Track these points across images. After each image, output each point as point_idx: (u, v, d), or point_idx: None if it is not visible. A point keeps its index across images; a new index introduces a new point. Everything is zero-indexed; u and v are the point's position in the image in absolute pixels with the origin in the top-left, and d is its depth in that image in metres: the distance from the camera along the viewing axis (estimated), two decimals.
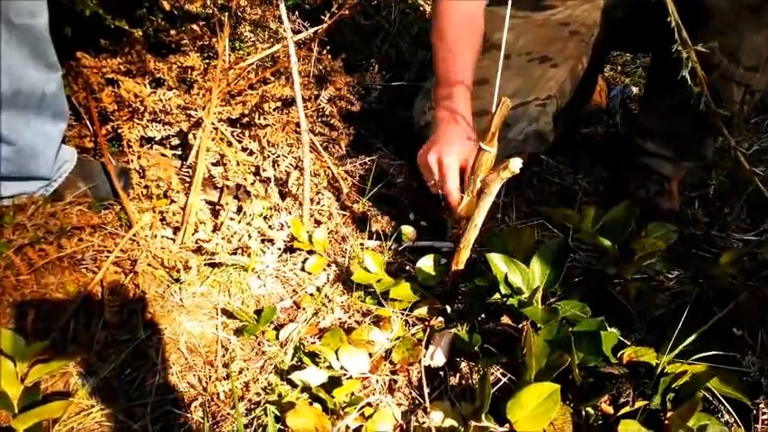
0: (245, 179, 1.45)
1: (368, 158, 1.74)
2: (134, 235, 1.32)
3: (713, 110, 0.92)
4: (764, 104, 1.93)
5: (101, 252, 1.28)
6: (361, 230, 1.48)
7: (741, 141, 1.74)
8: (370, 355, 1.12)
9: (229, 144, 1.53)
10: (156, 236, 1.34)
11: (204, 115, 1.44)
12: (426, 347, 1.13)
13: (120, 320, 1.17)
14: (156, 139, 1.55)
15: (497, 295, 1.08)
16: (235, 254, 1.33)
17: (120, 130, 1.50)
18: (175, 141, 1.59)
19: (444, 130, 1.34)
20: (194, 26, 1.61)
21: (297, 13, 2.23)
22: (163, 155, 1.56)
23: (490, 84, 1.49)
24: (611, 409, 0.91)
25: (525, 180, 1.67)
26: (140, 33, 1.49)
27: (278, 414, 0.99)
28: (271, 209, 1.46)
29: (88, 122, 1.54)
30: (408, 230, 1.44)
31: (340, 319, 1.22)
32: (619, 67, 2.24)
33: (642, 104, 1.95)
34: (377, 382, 1.09)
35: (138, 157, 1.48)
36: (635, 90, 1.96)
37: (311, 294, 1.29)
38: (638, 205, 1.47)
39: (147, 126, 1.52)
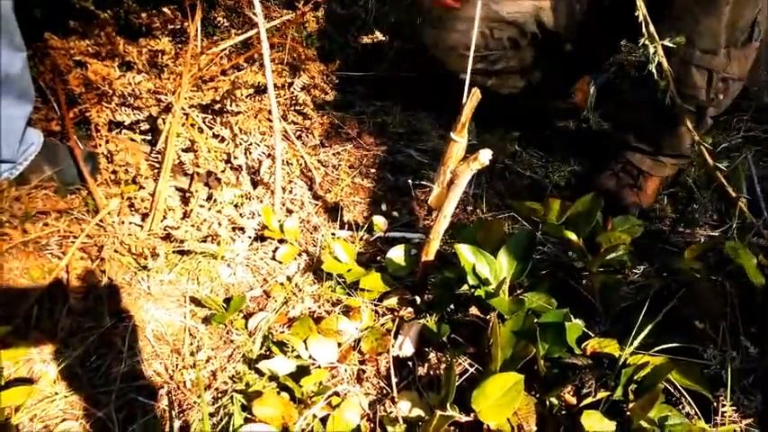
0: (216, 166, 1.44)
1: (341, 148, 1.73)
2: (101, 221, 1.30)
3: (679, 104, 0.93)
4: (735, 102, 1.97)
5: (66, 237, 1.26)
6: (333, 220, 1.48)
7: (708, 136, 1.77)
8: (339, 344, 1.12)
9: (200, 130, 1.51)
10: (123, 222, 1.32)
11: (174, 100, 1.42)
12: (395, 338, 1.13)
13: (85, 307, 1.15)
14: (126, 124, 1.52)
15: (466, 286, 1.09)
16: (204, 242, 1.32)
17: (87, 114, 1.47)
18: (145, 126, 1.56)
19: None
20: (166, 9, 1.59)
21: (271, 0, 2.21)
22: (132, 140, 1.53)
23: None
24: (573, 400, 0.92)
25: (497, 173, 1.68)
26: (108, 15, 1.45)
27: (245, 403, 0.99)
28: (242, 197, 1.44)
29: (55, 105, 1.51)
30: (380, 221, 1.44)
31: (310, 308, 1.22)
32: None
33: (616, 97, 1.98)
34: (345, 371, 1.09)
35: (107, 142, 1.46)
36: (606, 78, 1.98)
37: (281, 283, 1.29)
38: (605, 195, 1.50)
39: (116, 110, 1.49)
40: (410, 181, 1.61)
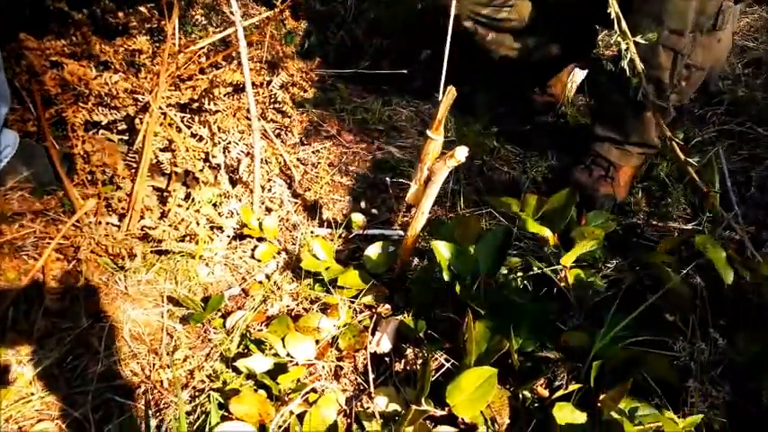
0: (194, 165, 1.43)
1: (321, 146, 1.73)
2: (77, 221, 1.29)
3: (652, 101, 0.94)
4: (710, 95, 2.00)
5: (42, 239, 1.25)
6: (312, 218, 1.48)
7: (680, 130, 1.80)
8: (317, 341, 1.12)
9: (178, 129, 1.51)
10: (100, 222, 1.32)
11: (151, 99, 1.42)
12: (372, 334, 1.14)
13: (61, 308, 1.15)
14: (103, 124, 1.51)
15: (442, 282, 1.10)
16: (182, 241, 1.32)
17: (64, 114, 1.46)
18: (122, 126, 1.55)
19: None
20: (142, 8, 1.58)
21: None
22: (109, 140, 1.52)
23: None
24: (546, 393, 0.94)
25: (475, 169, 1.69)
26: (83, 15, 1.45)
27: (222, 401, 0.99)
28: (221, 196, 1.45)
29: (31, 106, 1.50)
30: (358, 218, 1.45)
31: (288, 306, 1.23)
32: None
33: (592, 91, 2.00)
34: (323, 368, 1.09)
35: (83, 142, 1.45)
36: (582, 73, 1.99)
37: (260, 282, 1.29)
38: (579, 189, 1.52)
39: (93, 110, 1.48)
40: (388, 179, 1.61)
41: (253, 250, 1.36)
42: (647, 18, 1.35)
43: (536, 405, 0.93)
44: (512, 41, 1.73)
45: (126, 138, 1.55)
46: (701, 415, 0.87)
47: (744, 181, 1.64)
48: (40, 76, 1.48)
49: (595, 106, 1.60)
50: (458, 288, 1.03)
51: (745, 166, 1.72)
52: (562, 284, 1.10)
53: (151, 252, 1.29)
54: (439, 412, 0.90)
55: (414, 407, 0.88)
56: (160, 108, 1.45)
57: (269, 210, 1.48)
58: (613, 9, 0.85)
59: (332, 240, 1.40)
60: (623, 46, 0.89)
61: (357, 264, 1.29)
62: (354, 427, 0.99)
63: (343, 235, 1.42)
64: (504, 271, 1.16)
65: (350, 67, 2.12)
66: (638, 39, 0.91)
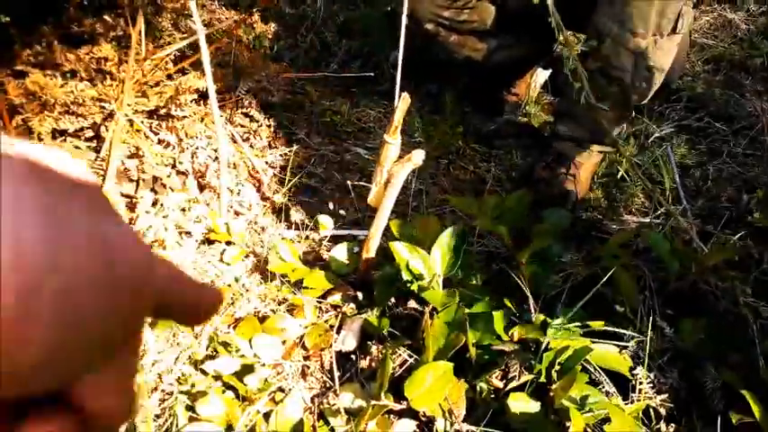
0: (162, 171, 1.45)
1: (289, 149, 1.76)
2: None
3: (593, 105, 0.99)
4: (669, 92, 2.05)
5: None
6: (280, 221, 1.51)
7: (636, 126, 1.85)
8: (284, 342, 1.15)
9: (146, 136, 1.53)
10: None
11: (116, 107, 1.43)
12: (338, 333, 1.17)
13: None
14: (69, 132, 1.53)
15: (403, 281, 1.13)
16: (151, 247, 1.34)
17: (30, 123, 1.47)
18: (90, 134, 1.56)
19: None
20: (107, 16, 1.59)
21: (218, 1, 2.22)
22: (76, 147, 1.54)
23: None
24: (501, 384, 0.98)
25: (441, 168, 1.72)
26: (47, 24, 1.46)
27: (189, 403, 1.01)
28: (189, 201, 1.47)
29: None
30: (325, 220, 1.48)
31: (256, 308, 1.25)
32: None
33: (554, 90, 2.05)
34: (289, 368, 1.12)
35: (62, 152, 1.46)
36: (546, 73, 2.04)
37: (228, 285, 1.31)
38: (541, 186, 1.56)
39: (59, 118, 1.49)
40: (348, 182, 1.64)
41: (221, 254, 1.38)
42: (610, 20, 1.40)
43: (492, 396, 0.97)
44: (474, 43, 1.76)
45: (93, 145, 1.57)
46: (646, 401, 0.91)
47: (700, 175, 1.70)
48: (5, 86, 1.49)
49: (558, 105, 1.65)
50: (415, 287, 1.06)
51: (703, 161, 1.78)
52: (519, 280, 1.14)
53: None
54: (398, 406, 0.93)
55: (373, 402, 0.91)
56: (126, 115, 1.47)
57: (237, 213, 1.50)
58: (554, 19, 0.89)
59: (299, 242, 1.42)
60: (565, 53, 0.92)
61: (323, 265, 1.32)
62: (320, 423, 1.02)
63: (310, 237, 1.45)
64: (463, 268, 1.20)
65: (319, 70, 2.15)
66: (579, 47, 0.94)
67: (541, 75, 2.01)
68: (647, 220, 1.50)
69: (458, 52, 1.77)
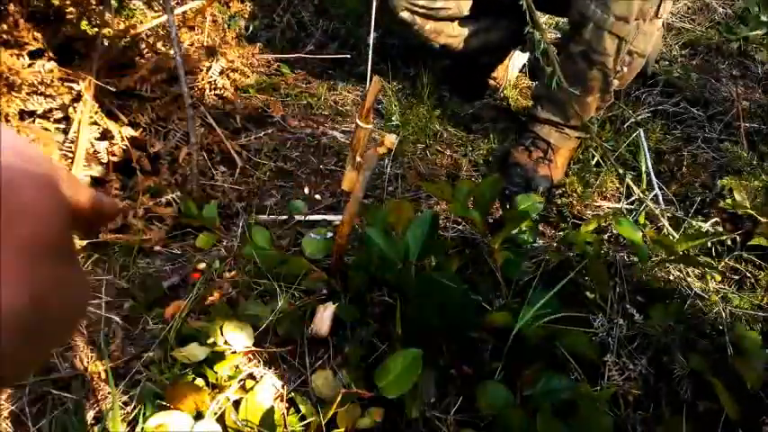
0: (132, 154, 1.43)
1: (264, 132, 1.73)
2: None
3: (565, 88, 0.98)
4: (645, 77, 2.06)
5: None
6: (254, 205, 1.49)
7: (611, 111, 1.85)
8: (255, 328, 1.14)
9: (116, 118, 1.49)
10: None
11: (85, 88, 1.40)
12: (310, 319, 1.16)
13: None
14: (38, 113, 1.49)
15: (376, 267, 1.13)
16: (120, 231, 1.32)
17: None
18: (58, 115, 1.53)
19: None
20: None
21: None
22: (45, 129, 1.50)
23: None
24: (471, 371, 0.98)
25: (419, 153, 1.71)
26: (14, 2, 1.41)
27: (158, 391, 1.00)
28: (161, 184, 1.44)
29: None
30: (300, 205, 1.46)
31: (228, 294, 1.24)
32: None
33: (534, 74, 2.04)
34: (261, 354, 1.11)
35: (18, 132, 1.42)
36: (524, 56, 2.03)
37: (200, 271, 1.30)
38: (518, 170, 1.56)
39: (27, 99, 1.45)
40: (323, 167, 1.63)
41: (193, 239, 1.37)
42: (593, 3, 1.39)
43: (462, 383, 0.97)
44: (451, 30, 1.74)
45: (62, 127, 1.53)
46: (614, 388, 0.92)
47: (674, 160, 1.71)
48: None
49: (537, 89, 1.64)
50: (387, 273, 1.05)
51: (678, 146, 1.79)
52: (492, 266, 1.14)
53: (88, 243, 1.28)
54: (367, 394, 0.93)
55: (343, 390, 0.90)
56: (95, 96, 1.44)
57: (210, 197, 1.48)
58: (525, 2, 0.88)
59: (273, 227, 1.41)
60: (537, 36, 0.92)
61: (296, 250, 1.31)
62: (291, 411, 1.02)
63: (285, 221, 1.43)
64: (436, 254, 1.20)
65: (295, 51, 2.11)
66: (551, 31, 0.93)
67: (519, 58, 2.00)
68: (623, 205, 1.50)
69: (434, 40, 1.75)
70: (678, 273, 1.18)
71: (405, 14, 1.66)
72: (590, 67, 1.46)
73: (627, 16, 1.38)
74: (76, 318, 0.29)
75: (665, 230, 1.07)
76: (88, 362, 1.08)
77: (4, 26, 1.48)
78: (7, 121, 1.44)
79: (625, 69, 1.47)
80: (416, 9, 1.65)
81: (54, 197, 0.26)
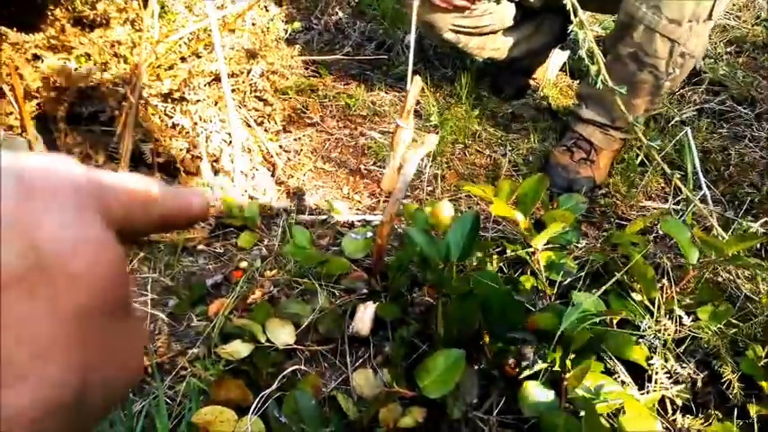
0: (176, 155, 1.45)
1: (303, 133, 1.75)
2: None
3: (611, 87, 0.96)
4: (690, 75, 2.01)
5: None
6: (294, 205, 1.50)
7: (666, 110, 1.81)
8: (297, 326, 1.15)
9: (160, 120, 1.52)
10: None
11: (129, 91, 1.43)
12: (351, 318, 1.17)
13: None
14: (84, 116, 1.53)
15: (417, 268, 1.12)
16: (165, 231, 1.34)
17: (45, 107, 1.48)
18: (104, 117, 1.56)
19: None
20: None
21: None
22: (91, 131, 1.54)
23: None
24: (514, 372, 0.97)
25: (457, 153, 1.70)
26: (60, 8, 1.46)
27: (203, 387, 1.02)
28: (203, 185, 1.46)
29: (12, 100, 1.51)
30: (339, 205, 1.47)
31: (269, 292, 1.25)
32: None
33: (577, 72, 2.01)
34: (302, 353, 1.12)
35: (65, 135, 1.47)
36: (568, 56, 2.00)
37: (242, 269, 1.31)
38: (560, 171, 1.53)
39: (74, 102, 1.50)
40: (362, 167, 1.63)
41: (235, 238, 1.38)
42: (643, 5, 1.36)
43: (505, 384, 0.96)
44: (494, 43, 1.74)
45: (109, 129, 1.57)
46: (662, 392, 0.90)
47: (721, 159, 1.66)
48: (21, 70, 1.49)
49: (581, 88, 1.60)
50: (428, 273, 1.05)
51: (725, 145, 1.74)
52: (535, 266, 1.12)
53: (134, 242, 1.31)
54: (409, 393, 0.93)
55: (385, 389, 0.90)
56: (141, 98, 1.47)
57: (251, 198, 1.50)
58: (570, 1, 0.86)
59: (313, 227, 1.42)
60: (581, 36, 0.90)
61: (337, 250, 1.32)
62: (332, 409, 1.02)
63: (325, 221, 1.44)
64: (478, 254, 1.19)
65: (333, 53, 2.13)
66: (596, 28, 0.92)
67: (559, 56, 1.97)
68: (667, 206, 1.47)
69: (478, 55, 1.75)
70: (727, 274, 1.15)
71: (449, 35, 1.66)
72: (640, 69, 1.43)
73: (679, 19, 1.35)
74: (128, 383, 0.25)
75: (714, 231, 1.04)
76: None
77: (52, 31, 1.53)
78: (55, 123, 1.48)
79: (677, 71, 1.44)
80: (461, 29, 1.65)
81: (111, 258, 0.22)
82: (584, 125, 1.59)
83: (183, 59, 1.65)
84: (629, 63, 1.43)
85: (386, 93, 1.99)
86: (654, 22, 1.36)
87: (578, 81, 1.96)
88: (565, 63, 2.02)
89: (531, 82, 1.99)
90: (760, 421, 0.93)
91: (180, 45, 1.65)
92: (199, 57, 1.66)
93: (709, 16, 1.36)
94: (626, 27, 1.41)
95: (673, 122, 1.77)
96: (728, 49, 2.19)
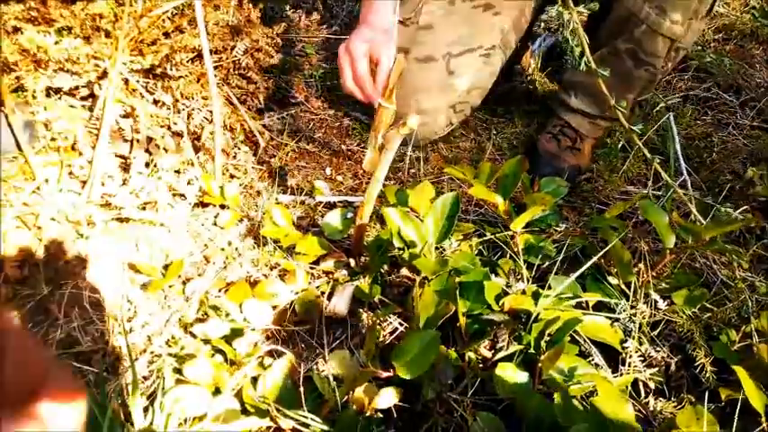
0: (156, 132, 1.43)
1: (287, 112, 1.73)
2: (38, 189, 1.29)
3: (594, 70, 0.96)
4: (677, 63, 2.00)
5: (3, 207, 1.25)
6: (276, 185, 1.49)
7: (652, 96, 1.81)
8: (274, 307, 1.15)
9: (141, 96, 1.50)
10: (61, 190, 1.32)
11: (110, 65, 1.41)
12: (329, 299, 1.16)
13: (21, 275, 1.16)
14: (64, 90, 1.50)
15: (395, 248, 1.12)
16: (144, 209, 1.33)
17: (23, 81, 1.45)
18: (84, 92, 1.54)
19: (359, 24, 1.37)
20: None
21: None
22: (71, 106, 1.51)
23: (434, 29, 1.50)
24: (489, 354, 0.97)
25: (441, 136, 1.69)
26: None
27: (178, 366, 1.01)
28: (183, 163, 1.45)
29: None
30: (321, 185, 1.46)
31: (248, 272, 1.24)
32: (542, 23, 2.26)
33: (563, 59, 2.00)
34: (279, 333, 1.12)
35: (44, 109, 1.44)
36: (554, 41, 1.99)
37: (221, 249, 1.30)
38: (547, 159, 1.53)
39: (54, 76, 1.47)
40: (345, 147, 1.62)
41: (215, 217, 1.37)
42: (647, 5, 1.34)
43: (480, 366, 0.97)
44: None
45: (88, 104, 1.54)
46: (635, 375, 0.90)
47: (704, 146, 1.66)
48: None
49: (569, 76, 1.58)
50: (406, 254, 1.05)
51: (708, 132, 1.74)
52: (513, 249, 1.12)
53: (112, 219, 1.30)
54: (384, 374, 0.93)
55: (359, 369, 0.90)
56: (121, 74, 1.45)
57: (232, 177, 1.48)
58: None
59: (295, 207, 1.41)
60: (566, 16, 0.89)
61: (317, 230, 1.31)
62: (308, 389, 1.02)
63: (306, 202, 1.43)
64: (458, 236, 1.19)
65: (320, 32, 2.10)
66: (581, 8, 0.91)
67: (547, 41, 1.96)
68: (647, 191, 1.47)
69: None
70: (704, 260, 1.16)
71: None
72: (637, 67, 1.41)
73: (683, 20, 1.34)
74: None
75: (693, 217, 1.05)
76: (109, 336, 1.10)
77: (32, 3, 1.50)
78: (34, 98, 1.45)
79: (669, 65, 1.44)
80: None
81: None
82: (572, 114, 1.57)
83: (166, 34, 1.62)
84: (626, 59, 1.41)
85: None
86: (657, 24, 1.34)
87: (564, 66, 1.95)
88: (550, 48, 2.01)
89: (517, 66, 1.98)
90: (731, 405, 0.94)
91: (163, 19, 1.62)
92: (182, 32, 1.63)
93: (709, 12, 1.35)
94: (625, 22, 1.38)
95: (657, 109, 1.77)
96: (716, 37, 2.18)
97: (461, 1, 1.54)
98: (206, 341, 1.06)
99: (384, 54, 1.25)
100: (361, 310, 1.15)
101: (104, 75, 1.49)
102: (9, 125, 1.38)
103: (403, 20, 1.47)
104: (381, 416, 0.96)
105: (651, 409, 0.95)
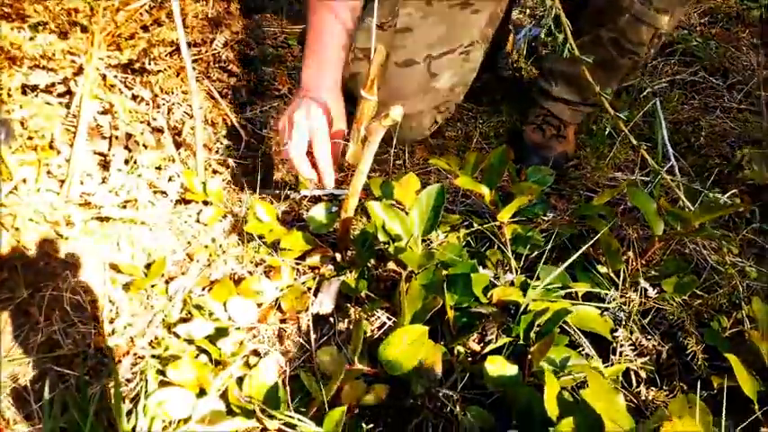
0: (136, 128, 1.40)
1: (270, 105, 1.70)
2: (15, 189, 1.26)
3: (578, 57, 0.94)
4: (663, 47, 1.99)
5: None
6: (259, 180, 1.47)
7: (638, 81, 1.80)
8: (259, 305, 1.13)
9: (119, 91, 1.47)
10: (39, 190, 1.29)
11: (86, 60, 1.37)
12: (315, 295, 1.14)
13: (0, 278, 1.13)
14: (41, 87, 1.47)
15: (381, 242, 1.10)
16: (125, 207, 1.30)
17: None
18: (61, 89, 1.50)
19: (300, 92, 1.25)
20: None
21: None
22: (47, 103, 1.48)
23: (413, 31, 1.47)
24: (478, 347, 0.96)
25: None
26: None
27: (161, 368, 0.99)
28: (164, 159, 1.42)
29: None
30: (306, 179, 1.43)
31: (233, 269, 1.22)
32: (528, 10, 2.24)
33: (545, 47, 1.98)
34: (265, 331, 1.10)
35: (20, 107, 1.40)
36: (540, 31, 1.97)
37: (205, 246, 1.28)
38: (533, 149, 1.52)
39: (29, 73, 1.43)
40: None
41: (198, 214, 1.35)
42: None
43: (469, 359, 0.95)
44: None
45: (65, 101, 1.51)
46: (626, 364, 0.89)
47: (692, 130, 1.65)
48: None
49: (551, 64, 1.57)
50: (392, 248, 1.03)
51: (696, 116, 1.73)
52: (501, 240, 1.11)
53: (92, 219, 1.27)
54: (372, 370, 0.91)
55: (346, 365, 0.89)
56: (98, 69, 1.41)
57: (215, 172, 1.46)
58: None
59: (278, 202, 1.39)
60: (548, 3, 0.87)
61: (302, 225, 1.29)
62: (295, 387, 1.00)
63: (291, 196, 1.41)
64: (445, 228, 1.17)
65: (303, 23, 2.07)
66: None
67: (526, 29, 1.94)
68: (634, 177, 1.46)
69: None
70: (693, 246, 1.15)
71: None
72: (621, 55, 1.40)
73: (667, 8, 1.32)
74: None
75: (681, 203, 1.03)
76: (91, 338, 1.07)
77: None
78: (9, 95, 1.42)
79: (652, 51, 1.42)
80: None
81: None
82: (553, 102, 1.56)
83: (144, 28, 1.59)
84: (609, 48, 1.39)
85: None
86: (641, 13, 1.32)
87: (545, 54, 1.93)
88: (534, 38, 1.99)
89: (502, 55, 1.96)
90: (723, 392, 0.93)
91: (141, 12, 1.59)
92: (161, 25, 1.60)
93: None
94: (608, 11, 1.36)
95: (644, 94, 1.76)
96: (702, 20, 2.17)
97: (438, 1, 1.51)
98: (190, 341, 1.04)
99: (321, 145, 1.17)
100: (348, 306, 1.13)
101: (81, 71, 1.45)
102: None
103: (380, 24, 1.43)
104: (370, 413, 0.95)
105: (643, 398, 0.94)
